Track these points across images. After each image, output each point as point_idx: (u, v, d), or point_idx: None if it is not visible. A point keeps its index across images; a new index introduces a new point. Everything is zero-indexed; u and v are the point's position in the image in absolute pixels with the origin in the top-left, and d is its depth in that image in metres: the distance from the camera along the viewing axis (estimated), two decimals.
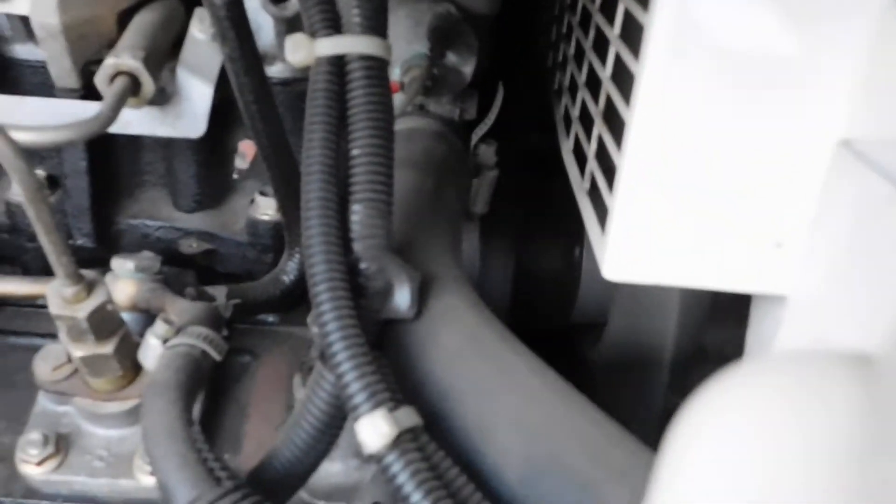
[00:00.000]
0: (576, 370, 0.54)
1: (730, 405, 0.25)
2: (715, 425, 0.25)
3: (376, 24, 0.55)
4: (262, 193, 0.75)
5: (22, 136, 0.50)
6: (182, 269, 0.76)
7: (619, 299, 0.93)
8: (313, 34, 0.55)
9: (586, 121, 0.69)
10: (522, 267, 0.93)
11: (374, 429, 0.44)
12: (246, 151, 0.77)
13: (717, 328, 0.81)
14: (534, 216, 0.93)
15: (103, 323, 0.61)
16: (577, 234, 0.93)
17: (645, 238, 0.54)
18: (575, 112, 0.75)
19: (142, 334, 0.68)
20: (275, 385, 0.74)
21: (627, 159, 0.53)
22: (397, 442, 0.44)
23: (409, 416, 0.45)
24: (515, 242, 0.92)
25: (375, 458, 0.45)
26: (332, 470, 0.65)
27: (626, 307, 0.92)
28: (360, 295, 0.49)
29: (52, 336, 0.74)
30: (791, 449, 0.23)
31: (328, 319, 0.47)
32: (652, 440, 0.46)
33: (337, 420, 0.51)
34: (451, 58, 0.76)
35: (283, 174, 0.68)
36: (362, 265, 0.50)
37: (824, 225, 0.50)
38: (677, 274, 0.55)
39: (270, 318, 0.78)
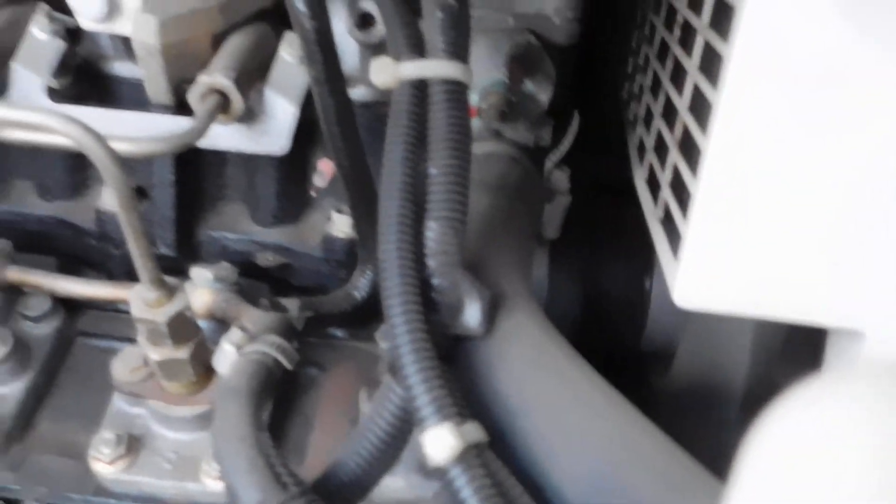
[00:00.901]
0: (642, 399, 0.54)
1: (809, 416, 0.25)
2: (793, 437, 0.25)
3: (459, 50, 0.57)
4: (338, 211, 0.78)
5: (120, 146, 0.53)
6: (257, 281, 0.78)
7: (689, 329, 0.92)
8: (398, 58, 0.57)
9: (661, 150, 0.69)
10: (591, 293, 0.93)
11: (441, 442, 0.45)
12: (324, 170, 0.80)
13: (789, 364, 0.80)
14: (604, 243, 0.93)
15: (181, 328, 0.63)
16: (647, 262, 0.93)
17: (718, 266, 0.53)
18: (650, 141, 0.75)
19: (215, 342, 0.70)
20: (341, 399, 0.75)
21: (702, 187, 0.53)
22: (463, 456, 0.44)
23: (475, 432, 0.46)
24: (585, 268, 0.92)
25: (440, 472, 0.45)
26: (394, 485, 0.65)
27: (696, 338, 0.91)
28: (432, 310, 0.50)
29: (130, 340, 0.76)
30: (874, 460, 0.22)
31: (400, 332, 0.48)
32: (720, 477, 0.45)
33: (402, 433, 0.52)
34: (529, 85, 0.78)
35: (360, 193, 0.70)
36: (435, 281, 0.51)
37: None
38: (750, 304, 0.54)
39: (339, 333, 0.80)
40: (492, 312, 0.52)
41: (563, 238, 0.85)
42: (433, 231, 0.52)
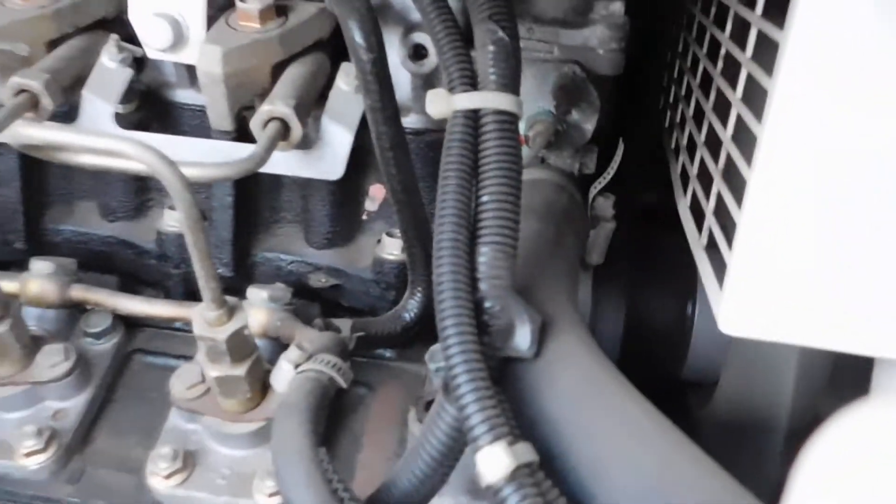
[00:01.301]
0: (684, 428, 0.54)
1: (859, 438, 0.25)
2: (843, 458, 0.25)
3: (510, 82, 0.59)
4: (389, 234, 0.80)
5: (189, 171, 0.55)
6: (309, 301, 0.80)
7: (732, 358, 0.92)
8: (451, 89, 0.59)
9: (705, 179, 0.70)
10: (633, 319, 0.93)
11: (494, 460, 0.46)
12: (375, 194, 0.82)
13: (835, 395, 0.79)
14: (647, 270, 0.94)
15: (239, 346, 0.65)
16: (690, 289, 0.93)
17: (762, 294, 0.54)
18: (693, 170, 0.76)
19: (268, 361, 0.72)
20: (389, 418, 0.76)
21: (747, 216, 0.54)
22: (514, 475, 0.46)
23: (526, 452, 0.47)
24: (628, 294, 0.93)
25: (492, 490, 0.46)
26: None
27: (740, 366, 0.91)
28: (484, 332, 0.52)
29: (184, 357, 0.79)
30: None
31: (454, 353, 0.50)
32: None
33: (454, 453, 0.53)
34: (574, 115, 0.79)
35: (411, 217, 0.72)
36: (487, 304, 0.52)
37: None
38: (795, 332, 0.55)
39: (388, 353, 0.82)
40: (541, 335, 0.53)
41: (607, 264, 0.85)
42: (485, 256, 0.53)
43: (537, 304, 0.55)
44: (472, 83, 0.58)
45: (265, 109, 0.67)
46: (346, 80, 0.74)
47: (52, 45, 0.75)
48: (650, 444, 0.50)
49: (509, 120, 0.57)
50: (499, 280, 0.53)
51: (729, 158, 0.62)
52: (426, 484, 0.54)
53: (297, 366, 0.64)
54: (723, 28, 0.72)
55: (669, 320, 0.94)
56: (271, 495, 0.69)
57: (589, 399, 0.52)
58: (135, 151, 0.53)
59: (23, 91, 0.68)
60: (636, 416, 0.51)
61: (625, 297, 0.93)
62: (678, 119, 0.91)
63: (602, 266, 0.85)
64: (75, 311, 0.81)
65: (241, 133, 0.73)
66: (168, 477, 0.70)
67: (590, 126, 0.79)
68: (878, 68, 0.48)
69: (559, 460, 0.50)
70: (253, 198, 0.81)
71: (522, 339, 0.52)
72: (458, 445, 0.53)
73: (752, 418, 0.88)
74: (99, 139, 0.55)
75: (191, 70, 0.77)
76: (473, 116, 0.57)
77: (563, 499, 0.47)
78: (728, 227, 0.59)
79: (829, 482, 0.26)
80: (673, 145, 0.91)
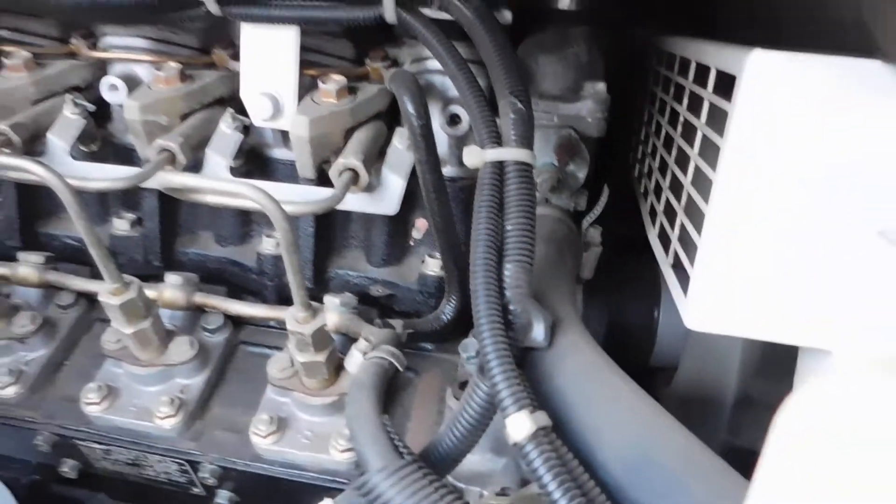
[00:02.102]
0: None
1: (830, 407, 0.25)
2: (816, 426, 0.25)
3: (527, 141, 0.58)
4: (430, 256, 0.78)
5: (287, 208, 0.55)
6: (370, 307, 0.79)
7: (688, 349, 0.90)
8: (482, 146, 0.59)
9: (670, 214, 0.69)
10: (613, 320, 0.91)
11: (519, 424, 0.45)
12: (420, 226, 0.81)
13: (764, 379, 0.78)
14: (623, 284, 0.92)
15: (320, 339, 0.65)
16: (656, 298, 0.92)
17: (718, 298, 0.54)
18: (660, 207, 0.75)
19: (341, 351, 0.71)
20: (430, 396, 0.75)
21: (705, 240, 0.53)
22: (535, 435, 0.45)
23: (543, 418, 0.46)
24: (609, 302, 0.91)
25: (518, 446, 0.45)
26: (473, 459, 0.64)
27: (694, 355, 0.89)
28: (509, 328, 0.51)
29: (276, 348, 0.78)
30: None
31: (487, 343, 0.49)
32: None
33: (485, 420, 0.52)
34: (571, 166, 0.77)
35: (448, 243, 0.71)
36: (511, 307, 0.51)
37: (863, 292, 0.49)
38: (740, 326, 0.54)
39: (429, 346, 0.80)
40: (552, 331, 0.53)
41: (594, 279, 0.84)
42: (510, 271, 0.53)
43: (548, 307, 0.54)
44: (498, 141, 0.58)
45: (341, 162, 0.66)
46: (400, 140, 0.73)
47: (184, 117, 0.74)
48: (635, 412, 0.49)
49: (526, 169, 0.56)
50: (520, 289, 0.52)
51: (689, 198, 0.62)
52: (463, 444, 0.53)
53: (364, 354, 0.64)
54: (680, 101, 0.71)
55: (640, 321, 0.92)
56: (343, 451, 0.68)
57: (589, 379, 0.51)
58: (250, 192, 0.53)
59: (164, 150, 0.69)
60: (625, 392, 0.50)
61: (607, 304, 0.92)
62: (646, 169, 0.90)
63: (590, 281, 0.84)
64: (196, 312, 0.80)
65: (321, 180, 0.72)
66: (266, 437, 0.69)
67: (582, 175, 0.78)
68: (796, 134, 0.48)
69: (567, 426, 0.49)
70: (329, 229, 0.79)
71: (538, 333, 0.51)
72: (488, 415, 0.51)
73: (705, 395, 0.86)
74: (224, 184, 0.55)
75: (284, 134, 0.76)
76: (499, 166, 0.56)
77: (570, 454, 0.46)
78: (689, 249, 0.58)
79: (801, 439, 0.25)
80: (642, 189, 0.90)
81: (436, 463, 0.53)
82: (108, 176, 0.66)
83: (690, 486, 0.43)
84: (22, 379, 0.75)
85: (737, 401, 0.83)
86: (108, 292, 0.66)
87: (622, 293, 0.92)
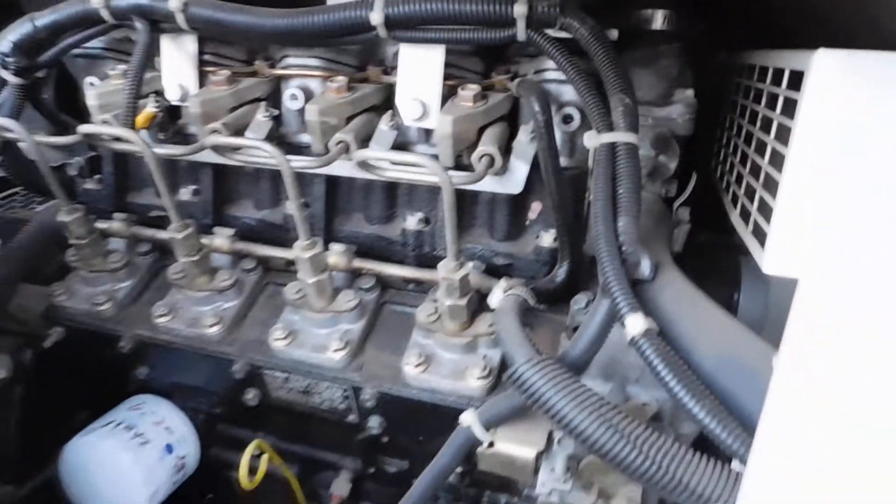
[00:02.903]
0: None
1: None
2: None
3: (633, 127, 0.74)
4: (545, 231, 0.93)
5: (454, 179, 0.74)
6: (494, 275, 0.95)
7: (765, 330, 1.02)
8: (598, 131, 0.76)
9: (749, 193, 0.84)
10: None
11: (635, 323, 0.61)
12: (535, 208, 0.95)
13: None
14: (708, 272, 1.03)
15: (464, 286, 0.82)
16: (736, 284, 1.03)
17: (787, 248, 0.67)
18: (741, 191, 0.89)
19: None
20: (544, 345, 0.89)
21: (779, 203, 0.68)
22: (646, 332, 0.60)
23: (652, 322, 0.62)
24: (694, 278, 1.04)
25: (633, 341, 0.61)
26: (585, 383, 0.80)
27: (769, 334, 1.01)
28: (623, 264, 0.67)
29: (413, 306, 0.93)
30: None
31: (608, 268, 0.65)
32: None
33: (605, 331, 0.67)
34: (663, 158, 0.93)
35: (563, 217, 0.86)
36: (624, 248, 0.67)
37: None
38: (803, 270, 0.68)
39: (541, 306, 0.93)
40: (655, 268, 0.69)
41: (682, 267, 0.96)
42: (622, 222, 0.68)
43: (652, 252, 0.70)
44: (610, 128, 0.75)
45: (481, 149, 0.83)
46: (524, 134, 0.88)
47: (349, 119, 0.93)
48: (723, 325, 0.63)
49: (633, 148, 0.73)
50: (631, 235, 0.67)
51: (766, 175, 0.77)
52: (586, 354, 0.68)
53: (504, 291, 0.81)
54: (759, 101, 0.87)
55: (722, 303, 1.04)
56: (478, 379, 0.84)
57: (685, 302, 0.66)
58: (428, 163, 0.72)
59: (341, 141, 0.90)
60: (713, 311, 0.65)
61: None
62: (728, 166, 1.04)
63: (679, 255, 0.97)
64: (353, 274, 0.99)
65: (458, 167, 0.89)
66: (415, 367, 0.86)
67: (672, 165, 0.93)
68: (850, 116, 0.62)
69: (667, 336, 0.64)
70: (463, 208, 0.95)
71: (645, 268, 0.67)
72: (607, 329, 0.67)
73: None
74: (408, 155, 0.75)
75: (427, 132, 0.94)
76: (612, 147, 0.73)
77: (672, 351, 0.62)
78: (767, 214, 0.73)
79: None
80: (724, 183, 1.04)
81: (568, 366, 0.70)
82: (298, 163, 0.87)
83: (763, 377, 0.58)
84: (222, 322, 0.97)
85: None
86: (301, 248, 0.86)
87: (707, 279, 1.04)
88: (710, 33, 1.14)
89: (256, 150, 0.81)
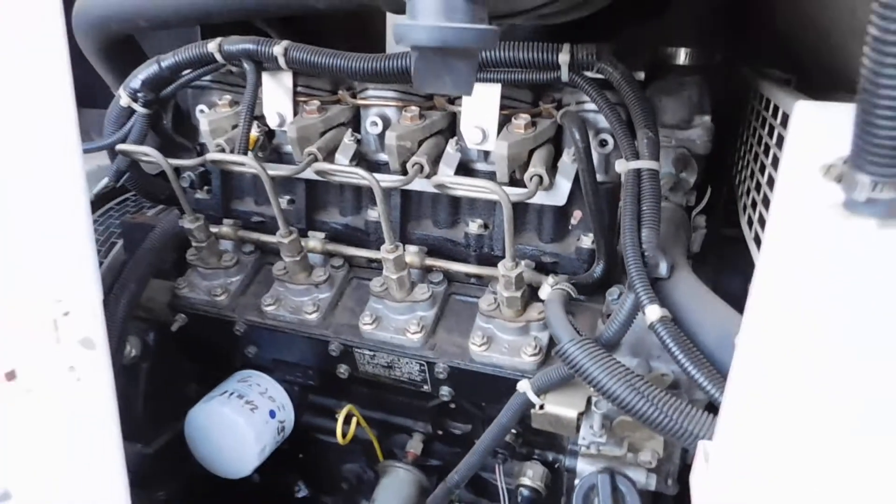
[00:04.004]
0: None
1: None
2: None
3: (655, 156, 0.95)
4: (585, 235, 1.12)
5: (511, 197, 0.95)
6: (541, 272, 1.16)
7: None
8: (627, 159, 0.97)
9: (754, 205, 1.03)
10: (714, 288, 1.23)
11: (653, 311, 0.82)
12: (576, 216, 1.14)
13: None
14: (722, 264, 1.23)
15: (519, 280, 1.04)
16: (749, 275, 1.23)
17: None
18: (748, 202, 1.09)
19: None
20: (584, 329, 1.11)
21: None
22: (662, 319, 0.81)
23: (667, 311, 0.82)
24: (711, 277, 1.22)
25: (652, 325, 0.82)
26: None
27: None
28: (644, 265, 0.88)
29: (475, 297, 1.15)
30: None
31: (633, 272, 0.86)
32: None
33: (630, 319, 0.87)
34: (683, 174, 1.12)
35: (600, 223, 1.06)
36: (646, 253, 0.88)
37: None
38: None
39: (582, 298, 1.11)
40: (671, 269, 0.89)
41: (700, 261, 1.13)
42: (645, 232, 0.89)
43: (670, 256, 0.91)
44: (636, 156, 0.96)
45: (532, 170, 1.04)
46: (567, 156, 1.07)
47: (421, 143, 1.15)
48: (723, 312, 0.84)
49: (655, 173, 0.93)
50: (651, 242, 0.88)
51: (765, 194, 0.96)
52: (617, 335, 0.88)
53: (551, 286, 1.02)
54: (763, 127, 1.06)
55: (735, 292, 1.23)
56: (530, 356, 1.06)
57: (694, 296, 0.86)
58: (491, 186, 0.94)
59: (416, 164, 1.12)
60: (717, 304, 0.85)
61: (710, 278, 1.24)
62: (741, 178, 1.23)
63: (697, 262, 1.16)
64: (425, 270, 1.21)
65: (513, 183, 1.10)
66: (479, 346, 1.07)
67: (692, 180, 1.12)
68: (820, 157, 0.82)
69: (678, 321, 0.85)
70: (515, 217, 1.15)
71: (662, 268, 0.87)
72: (632, 316, 0.88)
73: None
74: (476, 181, 0.97)
75: (486, 153, 1.14)
76: (637, 172, 0.94)
77: (682, 333, 0.82)
78: (763, 225, 0.93)
79: None
80: (739, 192, 1.23)
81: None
82: (385, 182, 1.10)
83: None
84: (319, 310, 1.21)
85: None
86: (387, 251, 1.09)
87: (721, 271, 1.24)
88: (737, 49, 1.33)
89: (355, 175, 1.04)
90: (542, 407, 0.98)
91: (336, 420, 1.28)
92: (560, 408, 0.98)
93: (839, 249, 0.46)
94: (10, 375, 0.73)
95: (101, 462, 0.86)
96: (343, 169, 1.08)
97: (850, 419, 0.49)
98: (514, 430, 1.18)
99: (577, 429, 0.98)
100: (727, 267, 1.27)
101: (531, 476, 1.18)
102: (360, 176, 1.02)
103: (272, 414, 1.31)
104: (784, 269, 0.49)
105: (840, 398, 0.48)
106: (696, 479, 0.63)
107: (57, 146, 0.71)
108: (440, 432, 1.30)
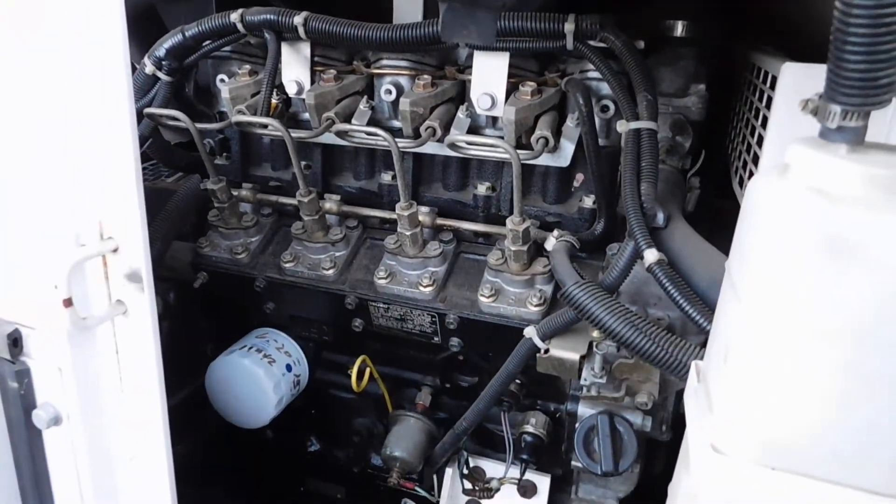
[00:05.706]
0: None
1: None
2: None
3: (654, 117, 1.03)
4: (586, 196, 1.21)
5: (521, 156, 1.03)
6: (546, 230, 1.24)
7: None
8: (627, 120, 1.04)
9: (745, 166, 1.11)
10: None
11: (651, 254, 0.90)
12: (578, 178, 1.22)
13: None
14: (716, 229, 1.32)
15: (526, 236, 1.12)
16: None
17: None
18: (739, 163, 1.17)
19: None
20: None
21: (760, 170, 0.96)
22: (659, 262, 0.90)
23: (663, 255, 0.91)
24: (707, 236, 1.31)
25: (650, 267, 0.90)
26: None
27: None
28: (644, 215, 0.96)
29: (482, 255, 1.24)
30: None
31: (633, 221, 0.94)
32: None
33: (630, 265, 0.96)
34: (679, 139, 1.20)
35: (601, 184, 1.14)
36: (644, 205, 0.96)
37: None
38: None
39: (584, 254, 1.19)
40: (668, 219, 0.97)
41: (696, 223, 1.24)
42: (644, 186, 0.97)
43: (667, 209, 0.99)
44: (636, 117, 1.04)
45: (538, 133, 1.12)
46: (571, 120, 1.15)
47: (433, 109, 1.22)
48: (714, 256, 0.92)
49: (653, 132, 1.01)
50: (650, 195, 0.97)
51: (755, 153, 1.04)
52: (618, 280, 0.96)
53: (556, 238, 1.10)
54: (754, 93, 1.13)
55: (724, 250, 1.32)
56: (535, 307, 1.14)
57: (688, 242, 0.95)
58: (502, 144, 1.02)
59: (429, 127, 1.19)
60: (708, 249, 0.93)
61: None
62: (734, 143, 1.31)
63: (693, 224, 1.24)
64: (436, 230, 1.28)
65: (518, 146, 1.19)
66: (487, 298, 1.15)
67: (687, 144, 1.21)
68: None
69: (674, 264, 0.93)
70: (525, 178, 1.23)
71: (660, 219, 0.96)
72: (632, 262, 0.96)
73: None
74: (487, 139, 1.04)
75: (495, 119, 1.21)
76: (637, 132, 1.02)
77: (677, 275, 0.90)
78: None
79: None
80: (731, 156, 1.31)
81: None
82: (402, 143, 1.17)
83: None
84: (336, 266, 1.28)
85: None
86: (401, 208, 1.17)
87: (713, 235, 1.32)
88: (733, 27, 1.40)
89: (373, 136, 1.11)
90: (546, 351, 1.06)
91: (349, 376, 1.36)
92: (563, 352, 1.05)
93: (815, 188, 0.50)
94: (68, 302, 0.81)
95: (145, 394, 0.93)
96: (362, 129, 1.16)
97: (816, 334, 0.52)
98: (518, 381, 1.26)
99: (580, 372, 1.06)
100: (721, 230, 1.35)
101: (534, 424, 1.26)
102: (379, 135, 1.09)
103: (288, 368, 1.38)
104: (766, 206, 0.54)
105: (810, 315, 0.51)
106: (689, 398, 0.70)
107: (113, 98, 0.78)
108: (448, 385, 1.38)
